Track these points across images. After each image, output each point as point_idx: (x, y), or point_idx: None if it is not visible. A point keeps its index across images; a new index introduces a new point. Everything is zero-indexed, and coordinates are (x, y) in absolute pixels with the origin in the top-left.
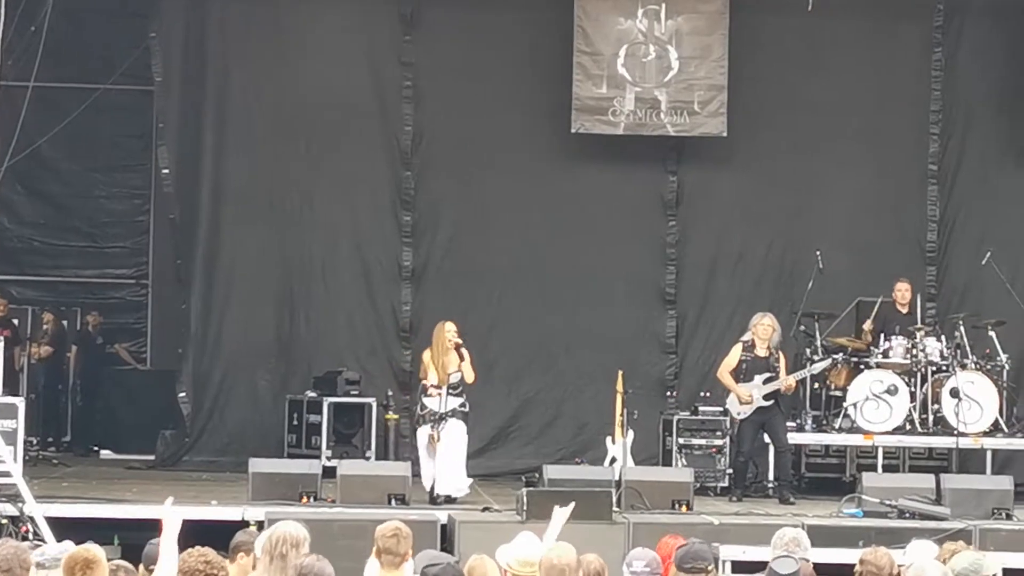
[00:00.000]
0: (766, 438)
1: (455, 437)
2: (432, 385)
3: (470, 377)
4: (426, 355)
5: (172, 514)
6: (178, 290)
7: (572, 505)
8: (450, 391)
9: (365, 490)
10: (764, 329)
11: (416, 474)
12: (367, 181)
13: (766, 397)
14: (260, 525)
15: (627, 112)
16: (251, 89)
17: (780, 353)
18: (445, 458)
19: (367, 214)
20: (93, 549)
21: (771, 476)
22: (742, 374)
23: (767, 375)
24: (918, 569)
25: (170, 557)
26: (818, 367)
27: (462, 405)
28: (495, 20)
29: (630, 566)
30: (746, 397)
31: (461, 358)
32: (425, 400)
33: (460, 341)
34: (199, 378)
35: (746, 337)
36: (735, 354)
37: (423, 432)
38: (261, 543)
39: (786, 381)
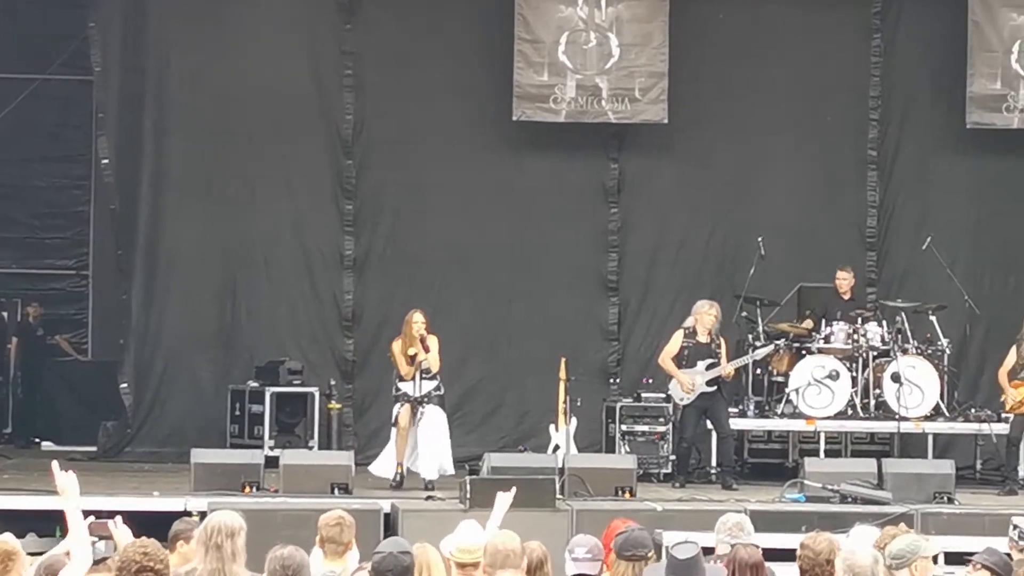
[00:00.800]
0: (709, 424)
1: (435, 421)
2: (399, 376)
3: (435, 367)
4: (395, 346)
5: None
6: (119, 281)
7: (513, 491)
8: (423, 376)
9: (308, 480)
10: (708, 318)
11: (360, 461)
12: (308, 170)
13: (708, 383)
14: (202, 516)
15: (568, 99)
16: (191, 78)
17: (722, 339)
18: (428, 442)
19: (308, 203)
20: (11, 541)
21: (713, 462)
22: (684, 360)
23: (709, 361)
24: (849, 553)
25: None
26: (760, 353)
27: (436, 388)
28: (436, 8)
29: (572, 553)
30: (688, 384)
31: (427, 349)
32: (400, 384)
33: (425, 333)
34: (140, 369)
35: (688, 323)
36: (676, 341)
37: (403, 410)
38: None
39: (727, 368)
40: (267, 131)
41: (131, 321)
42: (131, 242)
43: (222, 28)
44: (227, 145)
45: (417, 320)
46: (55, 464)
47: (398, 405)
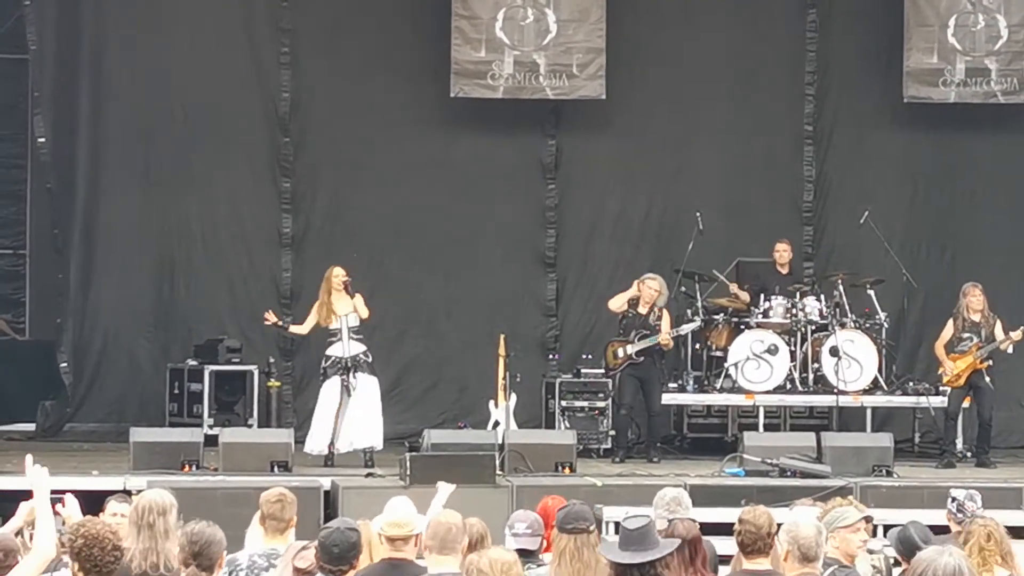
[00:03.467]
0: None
1: (369, 389)
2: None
3: (364, 313)
4: (314, 308)
5: (39, 476)
6: (56, 260)
7: (454, 487)
8: (352, 335)
9: (248, 458)
10: (649, 292)
11: (300, 439)
12: (245, 148)
13: (638, 353)
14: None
15: (506, 76)
16: (127, 56)
17: (663, 312)
18: (360, 411)
19: (246, 181)
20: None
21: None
22: (621, 329)
23: (643, 332)
24: (792, 524)
25: (46, 522)
26: (686, 328)
27: (365, 353)
28: None
29: (512, 528)
30: (623, 354)
31: (351, 296)
32: (329, 351)
33: (348, 279)
34: (79, 348)
35: (633, 291)
36: (622, 303)
37: (332, 385)
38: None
39: (662, 337)
40: (204, 109)
41: (69, 300)
42: (68, 221)
43: (158, 6)
44: (164, 123)
45: (338, 273)
46: (29, 458)
47: (333, 381)
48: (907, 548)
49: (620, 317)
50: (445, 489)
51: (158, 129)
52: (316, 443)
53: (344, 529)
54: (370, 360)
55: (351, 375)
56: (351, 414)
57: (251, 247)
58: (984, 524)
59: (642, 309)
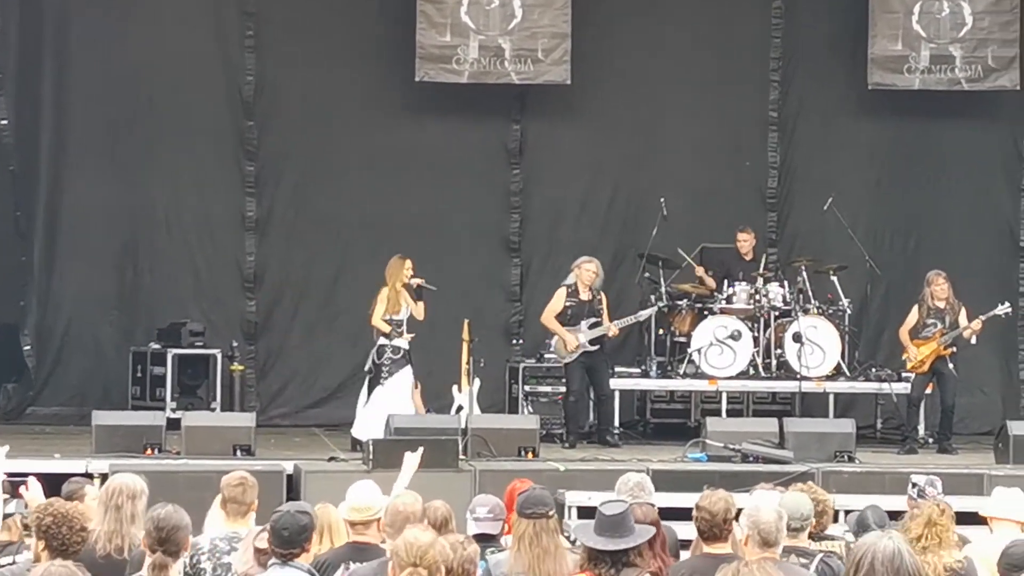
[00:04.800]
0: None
1: (405, 385)
2: (396, 323)
3: (420, 315)
4: (383, 293)
5: None
6: (19, 242)
7: (421, 450)
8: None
9: (210, 441)
10: (588, 275)
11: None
12: (210, 131)
13: (591, 342)
14: (104, 478)
15: (471, 60)
16: (91, 38)
17: (602, 295)
18: (389, 404)
19: (210, 165)
20: None
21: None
22: (567, 318)
23: (592, 320)
24: (753, 509)
25: None
26: (643, 314)
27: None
28: None
29: (473, 512)
30: (572, 343)
31: (417, 297)
32: (397, 342)
33: (420, 280)
34: (42, 331)
35: (569, 281)
36: (559, 299)
37: (406, 375)
38: (98, 494)
39: (611, 328)
40: (168, 92)
41: (32, 283)
42: (31, 203)
43: None
44: (128, 105)
45: (409, 265)
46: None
47: (406, 370)
48: (863, 532)
49: (563, 308)
50: (412, 460)
51: (122, 112)
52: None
53: (295, 512)
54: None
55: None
56: (377, 402)
57: (215, 231)
58: (937, 503)
59: (584, 295)
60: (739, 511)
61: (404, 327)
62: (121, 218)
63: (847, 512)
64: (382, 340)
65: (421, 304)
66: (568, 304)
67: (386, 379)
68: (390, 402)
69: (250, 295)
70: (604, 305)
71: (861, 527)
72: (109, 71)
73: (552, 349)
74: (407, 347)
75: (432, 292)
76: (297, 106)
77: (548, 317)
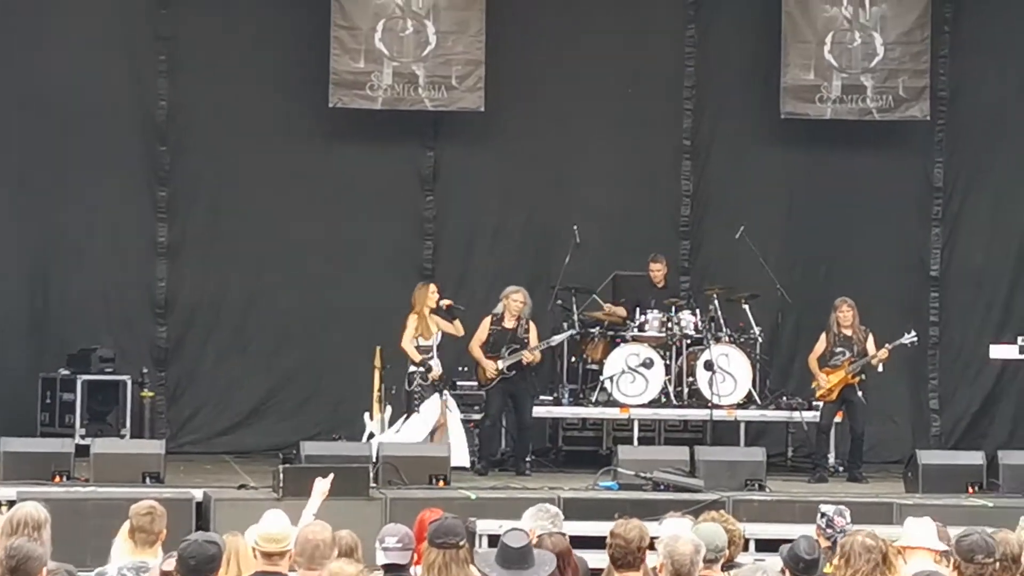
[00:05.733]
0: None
1: (455, 407)
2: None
3: (460, 331)
4: (412, 320)
5: None
6: None
7: (331, 476)
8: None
9: (119, 468)
10: (516, 305)
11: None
12: (121, 156)
13: (508, 368)
14: (11, 504)
15: (385, 87)
16: (1, 61)
17: (531, 324)
18: (457, 427)
19: (122, 189)
20: None
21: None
22: (490, 346)
23: (513, 347)
24: (671, 539)
25: None
26: (556, 339)
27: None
28: None
29: (382, 542)
30: (491, 370)
31: (450, 318)
32: (432, 364)
33: (448, 302)
34: None
35: (497, 310)
36: (484, 327)
37: (434, 401)
38: (1, 524)
39: (527, 355)
40: (80, 117)
41: None
42: None
43: (33, 13)
44: (40, 130)
45: (434, 290)
46: None
47: (434, 398)
48: (794, 562)
49: (487, 335)
50: (322, 486)
51: (32, 136)
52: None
53: (202, 541)
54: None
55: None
56: (453, 436)
57: (126, 256)
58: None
59: (509, 324)
60: (652, 539)
61: (434, 352)
62: (32, 243)
63: (757, 541)
64: (411, 367)
65: (456, 322)
66: (491, 332)
67: (418, 405)
68: (420, 429)
69: (161, 321)
70: (531, 334)
71: (793, 559)
72: (19, 94)
73: (477, 376)
74: (440, 371)
75: (462, 311)
76: (210, 131)
77: (473, 346)
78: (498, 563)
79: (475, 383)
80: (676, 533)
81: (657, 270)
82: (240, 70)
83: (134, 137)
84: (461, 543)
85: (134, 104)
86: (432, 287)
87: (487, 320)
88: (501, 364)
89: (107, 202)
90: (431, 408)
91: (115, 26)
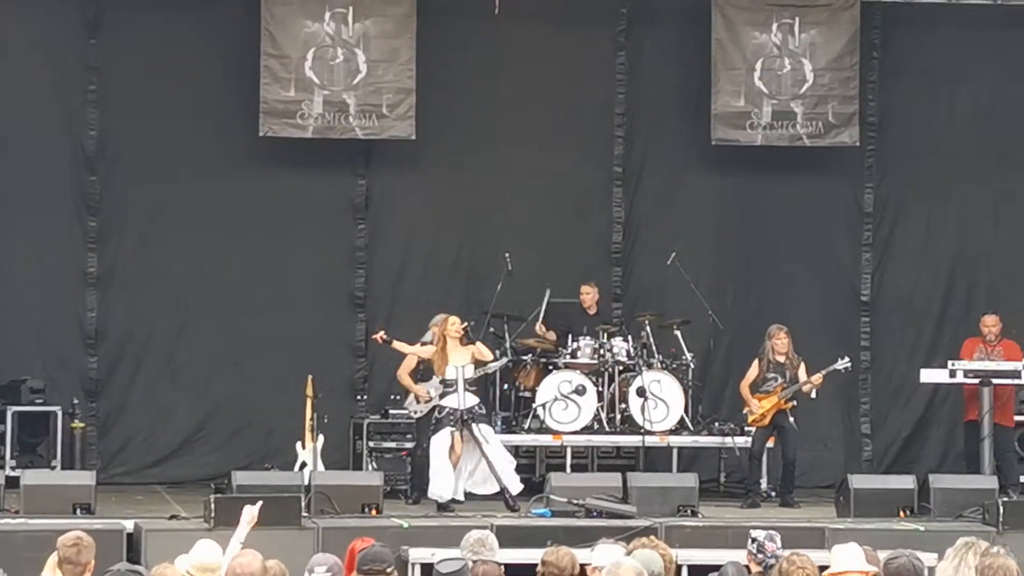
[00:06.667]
0: None
1: (492, 436)
2: (449, 383)
3: (488, 355)
4: (427, 350)
5: None
6: None
7: (260, 504)
8: (467, 387)
9: (50, 500)
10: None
11: (104, 480)
12: (51, 186)
13: (441, 396)
14: None
15: (315, 115)
16: None
17: None
18: (497, 458)
19: (51, 220)
20: None
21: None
22: (420, 374)
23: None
24: (613, 566)
25: None
26: (493, 366)
27: (479, 405)
28: (181, 23)
29: (312, 572)
30: (424, 396)
31: (470, 344)
32: (444, 402)
33: (467, 327)
34: None
35: (427, 338)
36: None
37: (444, 435)
38: None
39: (415, 403)
40: (7, 146)
41: None
42: None
43: None
44: None
45: (454, 322)
46: None
47: (445, 432)
48: None
49: (416, 363)
50: (249, 514)
51: None
52: (439, 489)
53: (125, 571)
54: (483, 411)
55: (467, 427)
56: (497, 464)
57: (55, 286)
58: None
59: None
60: (583, 567)
61: (456, 385)
62: None
63: (690, 567)
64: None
65: (478, 344)
66: (421, 360)
67: (428, 440)
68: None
69: (91, 351)
70: None
71: None
72: None
73: (406, 405)
74: (459, 406)
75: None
76: (140, 160)
77: (402, 374)
78: None
79: (407, 411)
80: (618, 560)
81: (588, 294)
82: (170, 99)
83: (64, 167)
84: (389, 570)
85: (64, 134)
86: (454, 319)
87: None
88: (433, 392)
89: (37, 232)
90: (439, 442)
91: (44, 56)
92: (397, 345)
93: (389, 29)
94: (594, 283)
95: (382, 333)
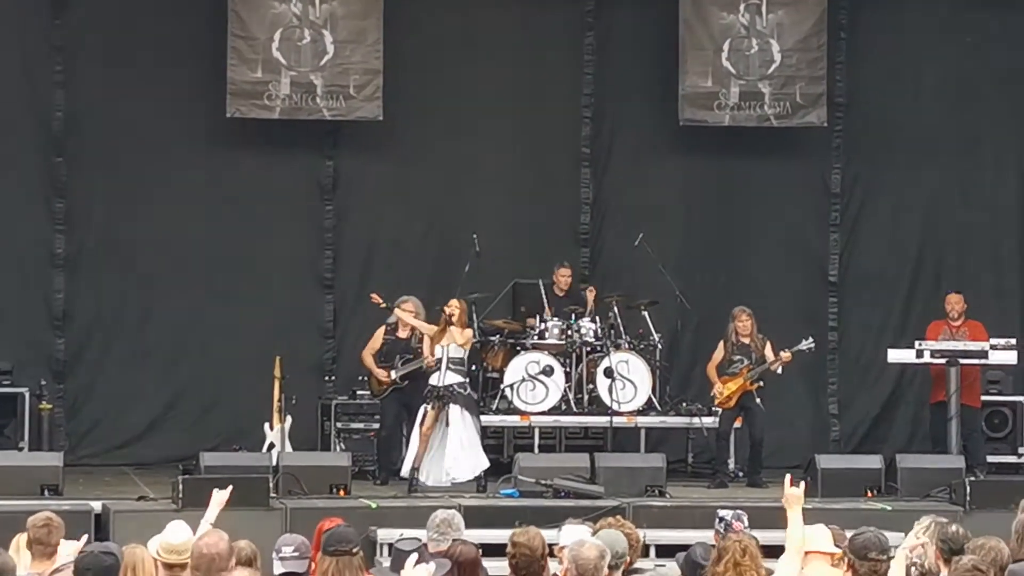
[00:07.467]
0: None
1: (462, 423)
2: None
3: (460, 339)
4: (429, 327)
5: None
6: None
7: (230, 489)
8: (451, 366)
9: (17, 481)
10: (407, 316)
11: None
12: (17, 167)
13: (402, 377)
14: None
15: (283, 96)
16: None
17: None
18: (456, 441)
19: (18, 201)
20: None
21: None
22: (383, 356)
23: (407, 357)
24: (577, 543)
25: None
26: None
27: (461, 385)
28: (148, 3)
29: (279, 552)
30: (385, 378)
31: (463, 326)
32: (431, 380)
33: (452, 315)
34: None
35: (390, 320)
36: (378, 337)
37: (421, 412)
38: None
39: (428, 359)
40: None
41: None
42: None
43: None
44: None
45: (452, 304)
46: None
47: (425, 406)
48: (690, 569)
49: (380, 344)
50: (219, 497)
51: None
52: (406, 466)
53: (99, 553)
54: (466, 392)
55: (447, 405)
56: (449, 449)
57: (23, 268)
58: (739, 539)
59: (402, 333)
60: (551, 546)
61: (440, 364)
62: None
63: (658, 547)
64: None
65: (454, 330)
66: (385, 341)
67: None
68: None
69: (59, 333)
70: (425, 344)
71: (689, 565)
72: None
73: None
74: (437, 383)
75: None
76: (107, 141)
77: (365, 355)
78: (393, 570)
79: (368, 392)
80: (581, 539)
81: (564, 275)
82: (137, 80)
83: (30, 148)
84: (354, 550)
85: (30, 115)
86: (452, 302)
87: (381, 330)
88: (394, 374)
89: (3, 213)
90: (419, 418)
91: (9, 37)
92: (401, 314)
93: (356, 10)
94: (569, 264)
95: (378, 298)
